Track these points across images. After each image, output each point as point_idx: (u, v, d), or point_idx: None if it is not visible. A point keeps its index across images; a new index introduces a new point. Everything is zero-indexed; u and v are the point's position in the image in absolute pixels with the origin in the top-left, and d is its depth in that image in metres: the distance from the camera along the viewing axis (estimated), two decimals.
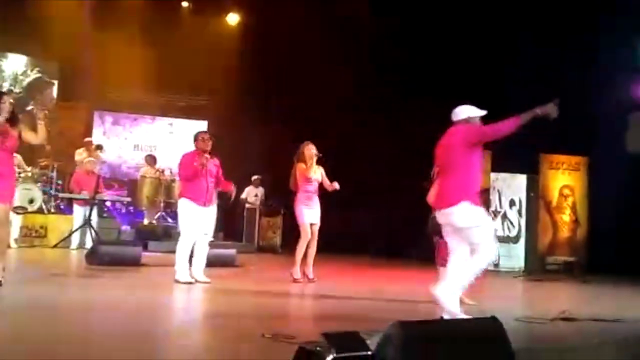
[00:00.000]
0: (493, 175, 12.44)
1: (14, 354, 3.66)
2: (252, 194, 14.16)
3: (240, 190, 14.15)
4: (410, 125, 13.47)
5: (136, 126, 16.07)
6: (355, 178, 13.66)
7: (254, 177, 14.16)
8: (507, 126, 4.99)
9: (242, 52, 14.77)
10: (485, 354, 3.17)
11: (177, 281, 7.18)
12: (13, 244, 10.18)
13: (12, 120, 6.05)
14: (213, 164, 7.60)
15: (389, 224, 13.63)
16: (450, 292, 5.09)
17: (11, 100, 6.11)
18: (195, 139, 7.64)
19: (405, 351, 2.94)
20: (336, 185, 8.22)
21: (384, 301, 6.79)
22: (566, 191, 12.49)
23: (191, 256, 7.46)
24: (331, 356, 3.02)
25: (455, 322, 3.72)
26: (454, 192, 5.10)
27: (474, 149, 5.19)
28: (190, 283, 7.17)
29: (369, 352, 3.06)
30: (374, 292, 7.68)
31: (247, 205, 14.20)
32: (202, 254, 7.55)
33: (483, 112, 5.31)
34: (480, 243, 5.08)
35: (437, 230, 6.61)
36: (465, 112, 5.33)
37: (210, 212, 7.56)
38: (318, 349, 3.19)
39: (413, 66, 13.39)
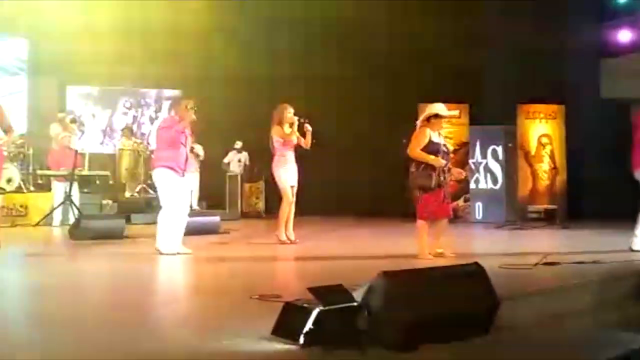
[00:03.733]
0: (472, 128, 12.50)
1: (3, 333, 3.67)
2: (236, 159, 14.13)
3: (223, 155, 14.18)
4: (391, 83, 13.46)
5: (110, 99, 15.84)
6: (335, 138, 13.69)
7: (238, 143, 14.11)
8: None
9: (213, 14, 14.53)
10: (469, 298, 3.23)
11: (160, 253, 6.98)
12: None
13: None
14: (189, 133, 7.33)
15: (370, 182, 13.65)
16: None
17: None
18: (177, 104, 7.30)
19: (390, 299, 2.99)
20: (308, 127, 8.21)
21: (368, 258, 6.82)
22: (544, 140, 12.61)
23: None
24: (318, 309, 3.06)
25: (438, 269, 3.78)
26: None
27: None
28: (172, 254, 6.95)
29: (355, 303, 3.11)
30: (358, 250, 7.75)
31: (228, 173, 14.17)
32: (181, 224, 7.20)
33: None
34: None
35: (419, 184, 6.66)
36: None
37: (188, 181, 7.39)
38: (305, 305, 3.23)
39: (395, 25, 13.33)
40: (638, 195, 6.94)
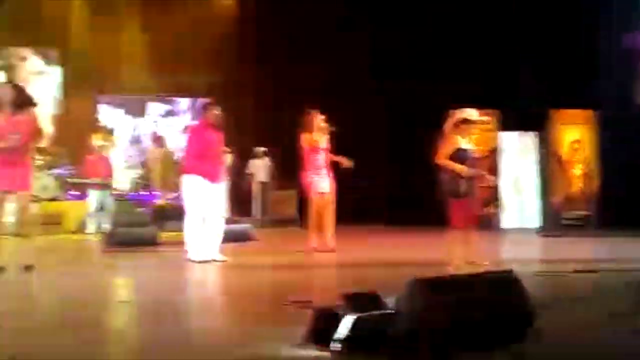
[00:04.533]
0: (503, 134, 12.39)
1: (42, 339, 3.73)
2: (260, 166, 14.08)
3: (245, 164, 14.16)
4: (426, 87, 13.34)
5: (142, 108, 16.02)
6: (367, 145, 13.64)
7: (259, 149, 14.06)
8: None
9: (240, 24, 14.68)
10: (504, 305, 3.19)
11: (191, 260, 6.99)
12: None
13: (21, 104, 5.97)
14: (219, 140, 7.32)
15: (401, 188, 13.56)
16: None
17: (15, 84, 6.02)
18: (205, 109, 7.36)
19: (424, 306, 2.96)
20: (346, 163, 8.17)
21: (400, 265, 6.78)
22: (576, 146, 12.44)
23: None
24: (350, 316, 3.04)
25: (471, 276, 3.74)
26: None
27: None
28: (205, 262, 6.94)
29: (389, 310, 3.09)
30: (390, 257, 7.70)
31: (258, 180, 14.14)
32: (217, 232, 7.26)
33: None
34: None
35: (448, 190, 6.59)
36: None
37: (219, 190, 7.34)
38: (337, 311, 3.22)
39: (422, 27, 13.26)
40: None
